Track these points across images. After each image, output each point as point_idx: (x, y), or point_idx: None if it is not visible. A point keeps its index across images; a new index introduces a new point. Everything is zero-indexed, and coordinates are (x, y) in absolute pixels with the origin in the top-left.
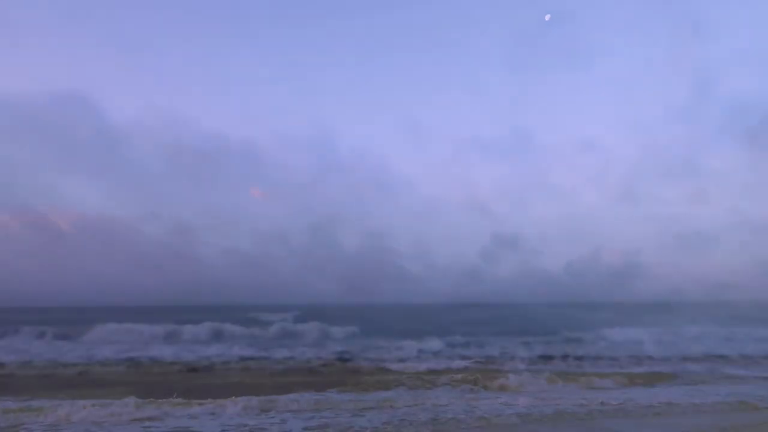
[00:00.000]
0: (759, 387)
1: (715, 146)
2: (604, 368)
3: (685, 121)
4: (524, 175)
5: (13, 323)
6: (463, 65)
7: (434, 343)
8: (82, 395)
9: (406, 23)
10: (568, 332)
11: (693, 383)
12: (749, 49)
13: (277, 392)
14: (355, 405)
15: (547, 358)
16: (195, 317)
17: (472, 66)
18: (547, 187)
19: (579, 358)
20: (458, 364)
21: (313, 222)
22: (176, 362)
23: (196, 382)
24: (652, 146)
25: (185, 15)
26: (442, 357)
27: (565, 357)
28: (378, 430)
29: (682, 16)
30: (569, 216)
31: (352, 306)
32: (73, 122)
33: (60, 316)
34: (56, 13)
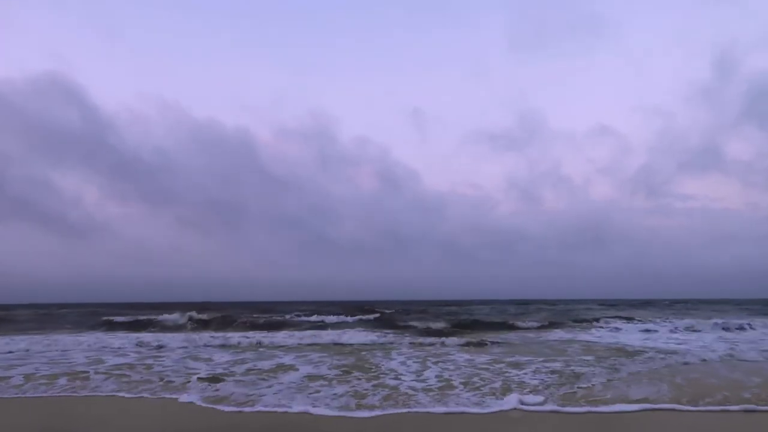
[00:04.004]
0: None
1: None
2: None
3: (706, 104)
4: (533, 164)
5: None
6: (466, 46)
7: None
8: None
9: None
10: None
11: None
12: None
13: None
14: None
15: None
16: None
17: (476, 47)
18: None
19: None
20: None
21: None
22: None
23: None
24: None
25: None
26: None
27: None
28: None
29: None
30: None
31: None
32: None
33: None
34: None
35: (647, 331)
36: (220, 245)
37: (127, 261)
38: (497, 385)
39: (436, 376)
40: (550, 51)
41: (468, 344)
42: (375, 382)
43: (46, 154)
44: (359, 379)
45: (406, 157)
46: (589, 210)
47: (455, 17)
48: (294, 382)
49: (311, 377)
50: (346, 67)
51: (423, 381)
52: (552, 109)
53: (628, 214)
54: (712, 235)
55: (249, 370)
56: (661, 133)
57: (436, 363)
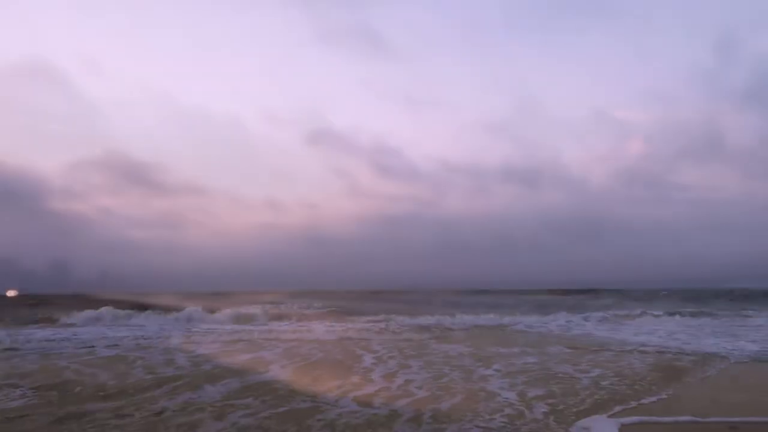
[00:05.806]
0: None
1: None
2: None
3: (707, 88)
4: (529, 151)
5: None
6: (461, 28)
7: None
8: None
9: None
10: None
11: None
12: None
13: None
14: None
15: None
16: None
17: (471, 29)
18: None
19: None
20: None
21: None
22: None
23: None
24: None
25: None
26: None
27: None
28: None
29: None
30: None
31: None
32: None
33: None
34: None
35: None
36: (214, 235)
37: (118, 250)
38: (457, 400)
39: (397, 387)
40: (547, 35)
41: (441, 337)
42: (302, 404)
43: (30, 140)
44: (304, 396)
45: (400, 142)
46: (587, 198)
47: None
48: (193, 399)
49: (242, 390)
50: (337, 51)
51: (366, 404)
52: (549, 94)
53: (626, 203)
54: (712, 223)
55: (215, 366)
56: (661, 118)
57: (407, 358)
